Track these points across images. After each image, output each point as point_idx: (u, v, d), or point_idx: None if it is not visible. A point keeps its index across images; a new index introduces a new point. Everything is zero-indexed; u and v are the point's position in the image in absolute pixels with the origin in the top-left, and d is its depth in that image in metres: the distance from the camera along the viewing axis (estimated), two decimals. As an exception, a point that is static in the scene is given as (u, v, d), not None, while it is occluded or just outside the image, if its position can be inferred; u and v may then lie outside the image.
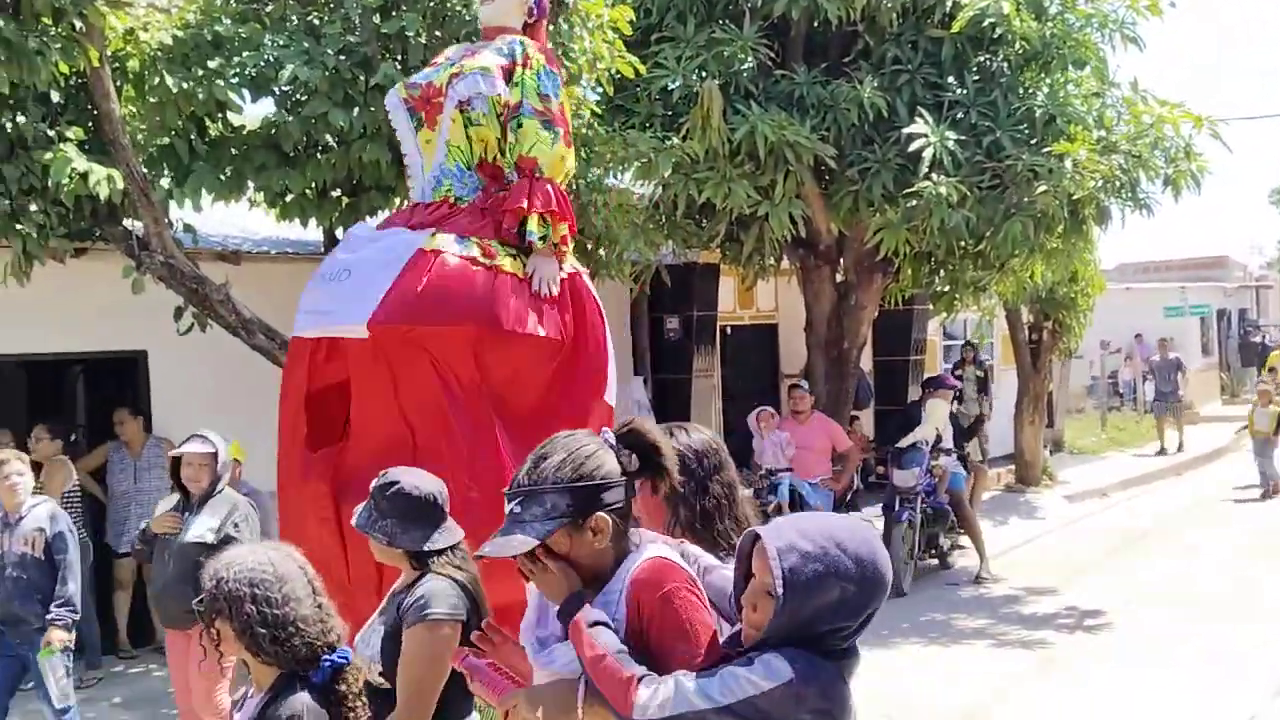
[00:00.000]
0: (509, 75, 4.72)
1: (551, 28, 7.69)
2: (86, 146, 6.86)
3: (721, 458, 2.95)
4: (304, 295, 5.14)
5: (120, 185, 6.74)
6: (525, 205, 4.53)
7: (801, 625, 2.23)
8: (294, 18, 7.61)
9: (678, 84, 10.05)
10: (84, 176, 6.57)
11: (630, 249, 9.65)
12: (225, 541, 5.72)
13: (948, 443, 11.22)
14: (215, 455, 6.13)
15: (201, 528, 5.96)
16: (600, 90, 9.37)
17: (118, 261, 7.60)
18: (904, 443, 10.96)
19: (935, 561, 11.44)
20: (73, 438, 9.01)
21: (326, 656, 2.61)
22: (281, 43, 7.24)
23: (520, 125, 4.60)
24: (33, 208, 6.77)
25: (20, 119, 6.75)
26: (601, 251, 9.53)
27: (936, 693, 7.77)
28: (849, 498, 11.26)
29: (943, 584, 10.93)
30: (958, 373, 15.16)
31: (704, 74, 9.79)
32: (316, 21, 7.56)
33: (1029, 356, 16.43)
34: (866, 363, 13.86)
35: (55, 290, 7.88)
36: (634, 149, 9.05)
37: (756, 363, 14.79)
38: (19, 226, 6.74)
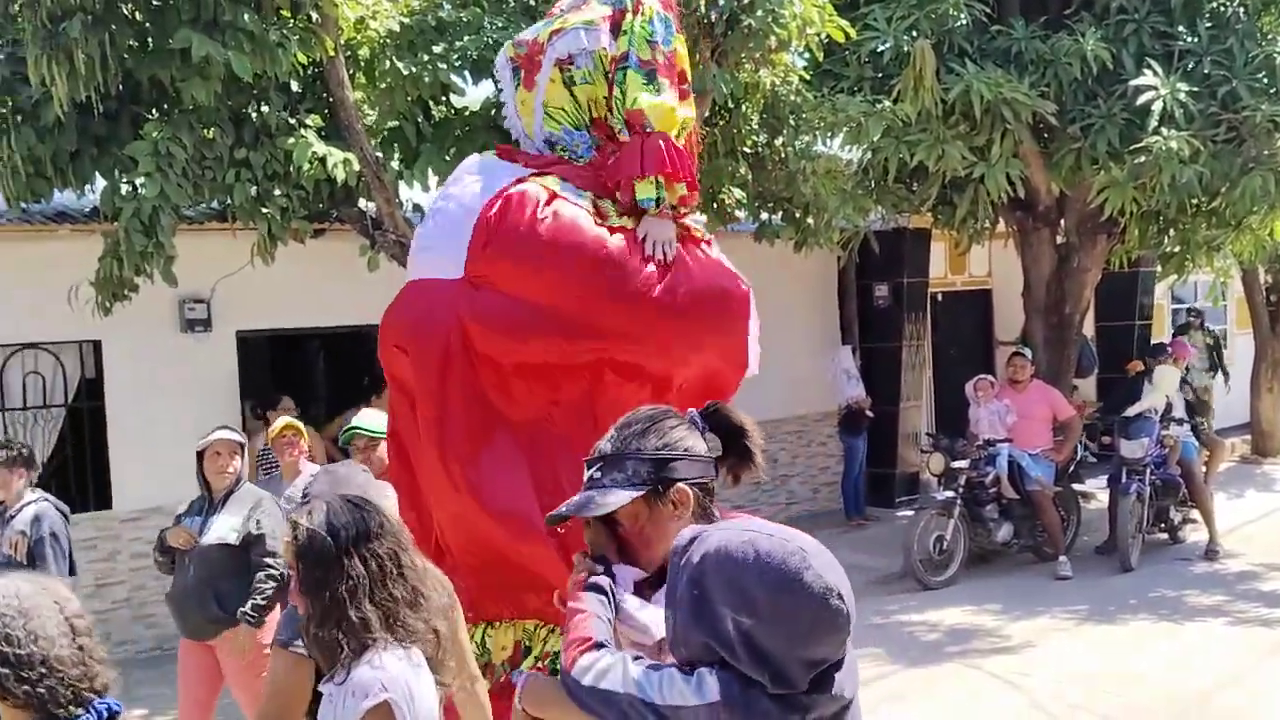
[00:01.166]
0: (617, 25, 4.20)
1: (762, -6, 7.67)
2: (324, 132, 7.27)
3: (368, 525, 2.56)
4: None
5: (355, 168, 7.11)
6: (640, 170, 3.96)
7: (698, 651, 1.99)
8: (511, 0, 7.83)
9: (888, 45, 9.83)
10: (322, 161, 6.96)
11: (839, 216, 9.55)
12: (248, 542, 5.47)
13: (1179, 411, 10.67)
14: (243, 446, 5.69)
15: (224, 527, 5.50)
16: (808, 56, 9.29)
17: (354, 241, 8.04)
18: (1131, 411, 10.48)
19: (1165, 536, 10.92)
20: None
21: (100, 700, 2.19)
22: (500, 24, 7.46)
23: (625, 78, 4.07)
24: (276, 192, 7.21)
25: (264, 108, 7.20)
26: (810, 219, 9.48)
27: (1168, 673, 7.45)
28: (1071, 469, 10.85)
29: (1172, 559, 10.43)
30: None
31: (915, 34, 9.55)
32: (532, 2, 7.75)
33: (1267, 320, 15.41)
34: (1089, 328, 13.29)
35: (296, 269, 8.38)
36: (843, 114, 8.94)
37: (969, 330, 14.40)
38: (264, 210, 7.20)
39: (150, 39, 6.76)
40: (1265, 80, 9.48)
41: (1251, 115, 9.19)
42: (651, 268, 3.97)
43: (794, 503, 12.72)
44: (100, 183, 7.34)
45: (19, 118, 6.86)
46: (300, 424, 6.60)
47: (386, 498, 3.43)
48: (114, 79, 6.54)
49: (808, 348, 12.65)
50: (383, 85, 7.43)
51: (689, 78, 4.26)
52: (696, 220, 4.31)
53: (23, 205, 7.42)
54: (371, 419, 5.61)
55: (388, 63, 7.28)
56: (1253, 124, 9.22)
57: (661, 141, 4.01)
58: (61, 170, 7.08)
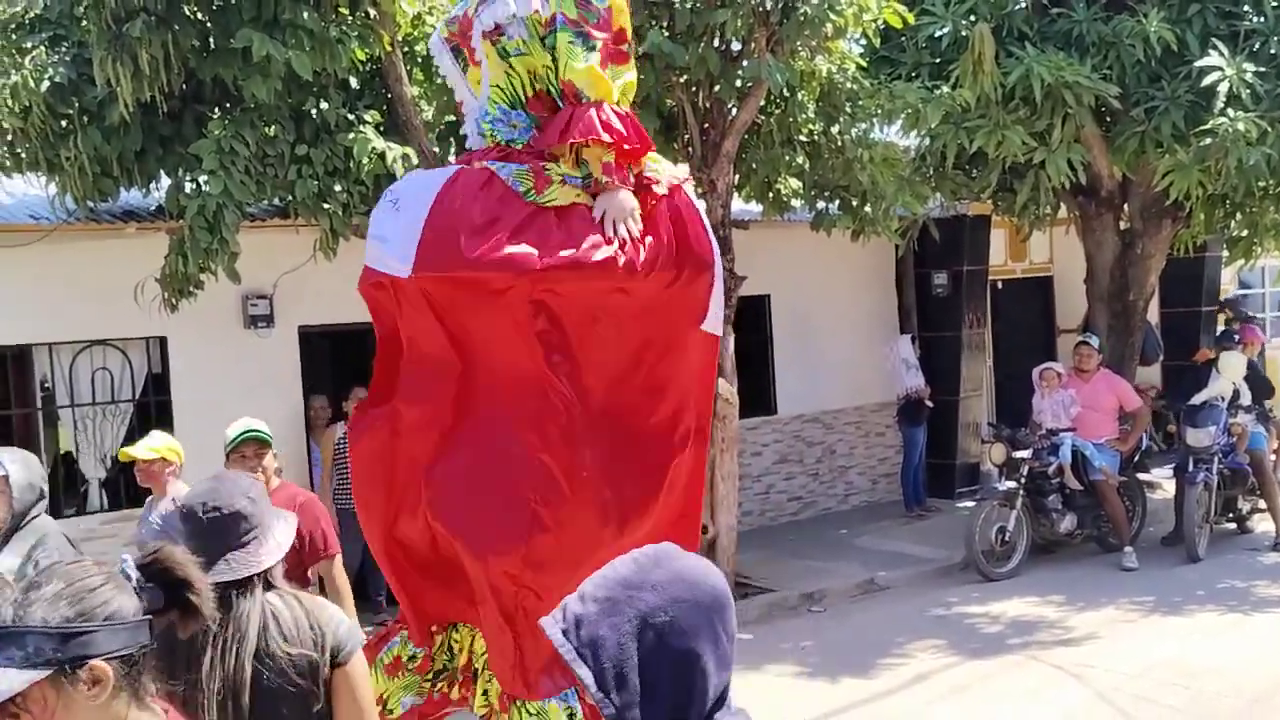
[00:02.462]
0: None
1: (818, -18, 7.62)
2: (382, 128, 7.34)
3: None
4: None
5: (415, 163, 7.17)
6: (558, 139, 3.54)
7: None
8: (565, -8, 7.84)
9: (946, 30, 9.73)
10: (381, 156, 7.04)
11: (897, 204, 9.48)
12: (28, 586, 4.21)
13: (1246, 399, 10.46)
14: (7, 479, 4.37)
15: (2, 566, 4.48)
16: (865, 43, 9.22)
17: (411, 235, 8.10)
18: (1197, 399, 10.29)
19: (1233, 526, 10.71)
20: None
21: None
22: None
23: (556, 43, 3.63)
24: (337, 188, 7.30)
25: (324, 105, 7.28)
26: (867, 208, 9.42)
27: (1236, 665, 7.31)
28: (1136, 459, 10.68)
29: (1241, 549, 10.23)
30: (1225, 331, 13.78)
31: (974, 18, 9.43)
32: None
33: (1339, 304, 15.05)
34: (1153, 315, 13.06)
35: (357, 265, 8.45)
36: (901, 100, 8.86)
37: (1030, 318, 14.21)
38: (326, 206, 7.29)
39: (212, 39, 6.87)
40: (1336, 59, 9.26)
41: (1322, 95, 8.98)
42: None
43: (853, 493, 12.66)
44: (165, 181, 7.49)
45: (85, 118, 7.01)
46: (172, 449, 5.61)
47: (284, 520, 2.97)
48: (177, 79, 6.67)
49: (866, 337, 12.57)
50: (440, 80, 7.47)
51: (629, 35, 3.78)
52: (658, 168, 3.76)
53: (90, 204, 7.58)
54: (259, 423, 5.15)
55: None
56: (1323, 104, 9.01)
57: (593, 110, 3.55)
58: (127, 169, 7.24)
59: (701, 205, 3.84)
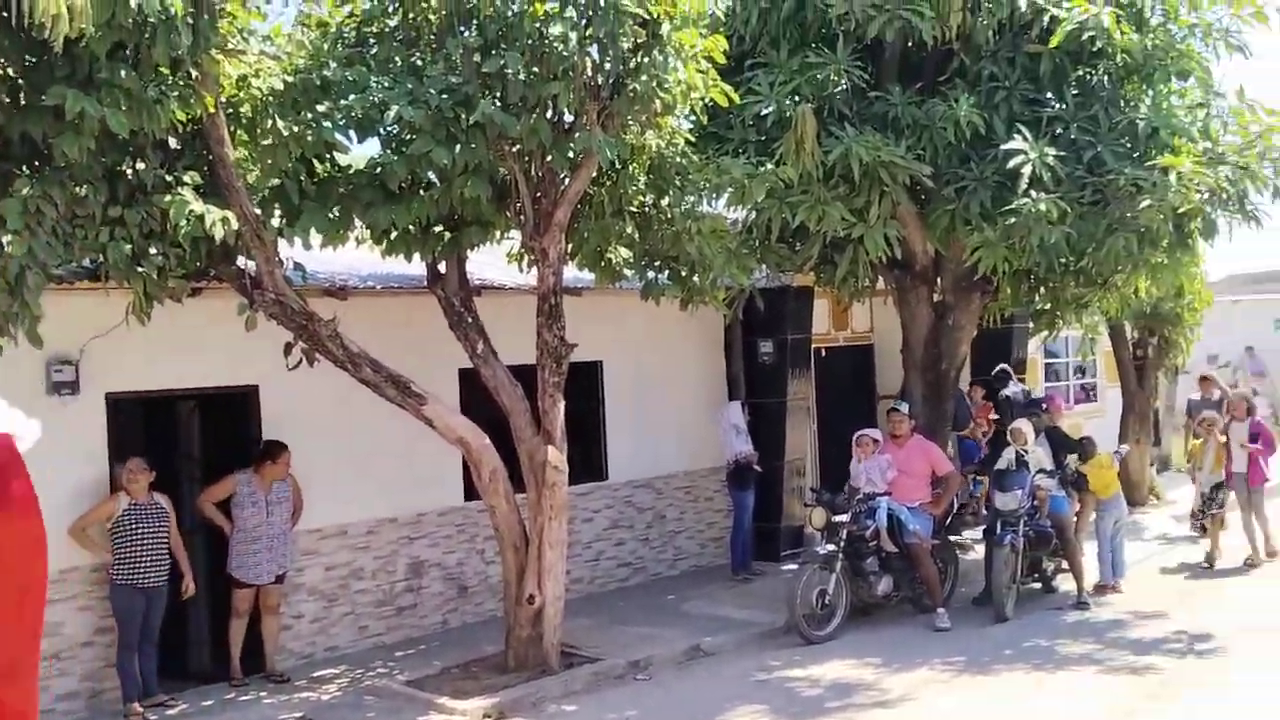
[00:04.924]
0: None
1: (646, 60, 7.82)
2: (202, 190, 7.14)
3: None
4: None
5: (235, 226, 7.00)
6: None
7: None
8: (398, 59, 7.84)
9: (771, 109, 10.07)
10: (200, 219, 6.83)
11: (724, 274, 9.73)
12: None
13: (1047, 464, 11.04)
14: None
15: None
16: (694, 119, 9.47)
17: (232, 300, 7.89)
18: (1000, 465, 10.85)
19: (1039, 585, 11.23)
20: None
21: None
22: (386, 84, 7.46)
23: None
24: (152, 250, 7.06)
25: (140, 165, 7.05)
26: (696, 277, 9.63)
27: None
28: (949, 521, 11.13)
29: (1046, 609, 10.72)
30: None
31: (798, 98, 9.81)
32: (419, 63, 7.78)
33: (1134, 374, 16.06)
34: (965, 383, 13.67)
35: (172, 329, 8.18)
36: (727, 175, 9.13)
37: (852, 385, 14.70)
38: (140, 269, 7.04)
39: (22, 95, 6.57)
40: (1127, 145, 9.95)
41: (1115, 179, 9.62)
42: None
43: (681, 558, 12.77)
44: (-35, 240, 7.07)
45: (-121, 172, 6.60)
46: None
47: None
48: (-19, 135, 6.35)
49: (696, 403, 12.78)
50: (265, 143, 7.34)
51: None
52: None
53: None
54: None
55: (270, 121, 7.21)
56: (1116, 187, 9.64)
57: None
58: (-76, 227, 6.82)
59: None
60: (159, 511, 8.34)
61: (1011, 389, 13.46)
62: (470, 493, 10.11)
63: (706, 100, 8.59)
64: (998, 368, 13.82)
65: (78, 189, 6.71)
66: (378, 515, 10.11)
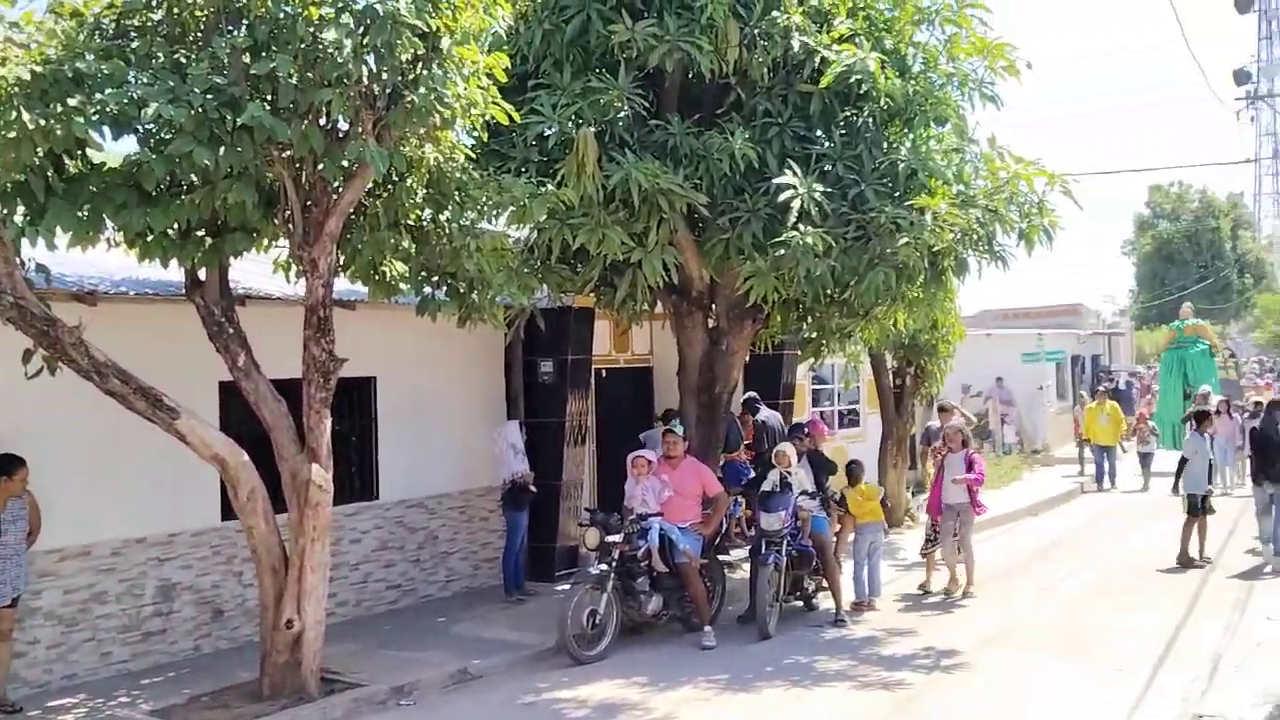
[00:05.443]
0: None
1: (425, 72, 7.72)
2: (-68, 182, 6.60)
3: None
4: None
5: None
6: None
7: None
8: (160, 55, 7.46)
9: (553, 130, 10.14)
10: (-72, 214, 6.31)
11: (504, 293, 9.67)
12: None
13: (808, 485, 11.45)
14: None
15: None
16: (475, 135, 9.40)
17: (-36, 301, 7.30)
18: (765, 486, 11.19)
19: (801, 604, 11.62)
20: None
21: None
22: (146, 80, 7.09)
23: None
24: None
25: None
26: (475, 295, 9.53)
27: (800, 736, 7.87)
28: (718, 541, 11.38)
29: (807, 626, 11.10)
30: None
31: (579, 121, 9.89)
32: (183, 60, 7.42)
33: (893, 401, 16.88)
34: (736, 406, 14.04)
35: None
36: (509, 194, 9.09)
37: (631, 405, 14.89)
38: None
39: None
40: (889, 185, 10.46)
41: (877, 216, 10.08)
42: None
43: (454, 579, 12.59)
44: None
45: None
46: None
47: None
48: None
49: (474, 421, 12.66)
50: (8, 135, 6.83)
51: None
52: None
53: None
54: None
55: (14, 113, 6.72)
56: (877, 224, 10.10)
57: None
58: None
59: None
60: None
61: (764, 413, 13.97)
62: (227, 512, 9.66)
63: (487, 117, 8.53)
64: (745, 395, 14.30)
65: None
66: (125, 535, 9.55)
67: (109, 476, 9.37)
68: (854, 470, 12.04)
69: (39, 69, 6.89)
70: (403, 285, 9.62)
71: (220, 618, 10.23)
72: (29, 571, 8.65)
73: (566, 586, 11.11)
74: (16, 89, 6.81)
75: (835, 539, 11.77)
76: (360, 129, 7.74)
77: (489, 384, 13.06)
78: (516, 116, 8.87)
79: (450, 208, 9.20)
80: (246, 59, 7.26)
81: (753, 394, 14.40)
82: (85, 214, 7.31)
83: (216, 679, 9.11)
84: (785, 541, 10.79)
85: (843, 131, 10.89)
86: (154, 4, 7.61)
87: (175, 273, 8.70)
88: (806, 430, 12.86)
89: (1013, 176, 10.47)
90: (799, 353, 14.67)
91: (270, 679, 8.51)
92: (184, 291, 8.70)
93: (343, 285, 9.50)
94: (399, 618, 11.44)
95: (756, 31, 10.30)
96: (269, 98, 7.36)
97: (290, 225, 8.28)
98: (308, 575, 8.46)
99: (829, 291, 10.75)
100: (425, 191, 9.09)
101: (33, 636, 8.92)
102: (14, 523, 8.34)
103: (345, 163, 7.72)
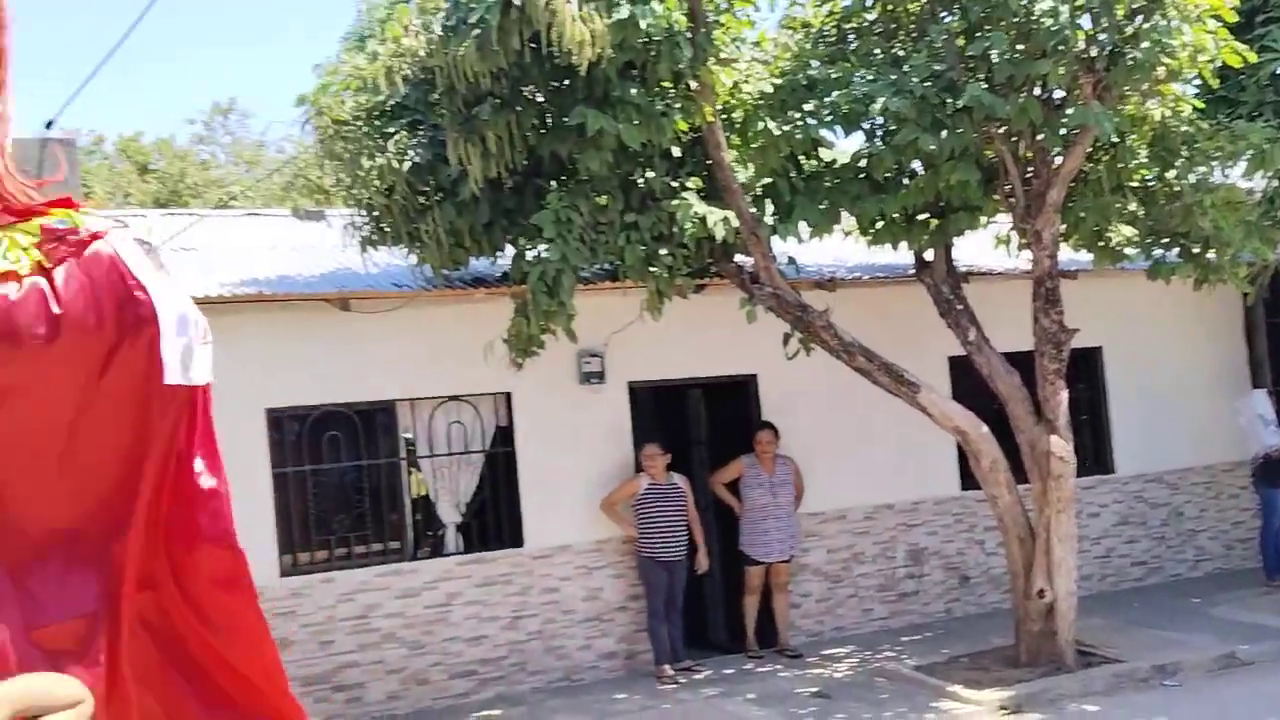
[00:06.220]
0: None
1: (1147, 25, 7.37)
2: (703, 193, 7.73)
3: None
4: None
5: (733, 225, 7.50)
6: None
7: None
8: (879, 52, 8.00)
9: (1294, 65, 9.07)
10: (703, 220, 7.41)
11: (1244, 250, 8.88)
12: None
13: None
14: None
15: None
16: (1200, 84, 8.76)
17: (732, 295, 8.44)
18: None
19: None
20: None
21: None
22: (870, 77, 7.64)
23: None
24: (662, 251, 7.73)
25: (649, 174, 7.76)
26: (1211, 254, 8.89)
27: None
28: None
29: None
30: None
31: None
32: (901, 53, 7.88)
33: None
34: None
35: (680, 323, 8.89)
36: (1244, 141, 8.37)
37: None
38: (652, 269, 7.73)
39: (549, 117, 7.49)
40: None
41: None
42: None
43: (1204, 559, 11.77)
44: (509, 250, 8.18)
45: (440, 195, 7.79)
46: None
47: None
48: (519, 155, 7.32)
49: (1213, 392, 11.73)
50: (756, 145, 7.79)
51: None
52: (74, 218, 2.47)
53: (445, 273, 8.40)
54: None
55: (760, 123, 7.64)
56: None
57: None
58: (477, 240, 7.97)
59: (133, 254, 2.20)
60: (676, 491, 9.10)
61: None
62: (966, 482, 10.01)
63: (1216, 62, 7.92)
64: None
65: (599, 199, 7.54)
66: (874, 501, 10.32)
67: (855, 447, 10.19)
68: None
69: (778, 81, 7.78)
70: (1129, 250, 9.26)
71: (966, 583, 10.63)
72: (799, 531, 9.73)
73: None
74: (761, 102, 7.74)
75: None
76: (1078, 94, 7.61)
77: (1228, 350, 12.01)
78: (1251, 56, 8.11)
79: (1178, 164, 8.68)
80: (961, 42, 7.50)
81: None
82: (824, 207, 8.07)
83: (969, 642, 9.44)
84: None
85: None
86: (869, 4, 8.17)
87: (901, 255, 9.22)
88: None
89: None
90: None
91: (1026, 646, 8.62)
92: (912, 272, 9.20)
93: (1063, 255, 9.37)
94: (1146, 595, 10.96)
95: None
96: (985, 76, 7.53)
97: (1011, 199, 8.37)
98: (1055, 546, 8.44)
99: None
100: (1149, 150, 8.67)
101: (804, 590, 10.01)
102: (783, 486, 9.42)
103: (1064, 130, 7.64)
